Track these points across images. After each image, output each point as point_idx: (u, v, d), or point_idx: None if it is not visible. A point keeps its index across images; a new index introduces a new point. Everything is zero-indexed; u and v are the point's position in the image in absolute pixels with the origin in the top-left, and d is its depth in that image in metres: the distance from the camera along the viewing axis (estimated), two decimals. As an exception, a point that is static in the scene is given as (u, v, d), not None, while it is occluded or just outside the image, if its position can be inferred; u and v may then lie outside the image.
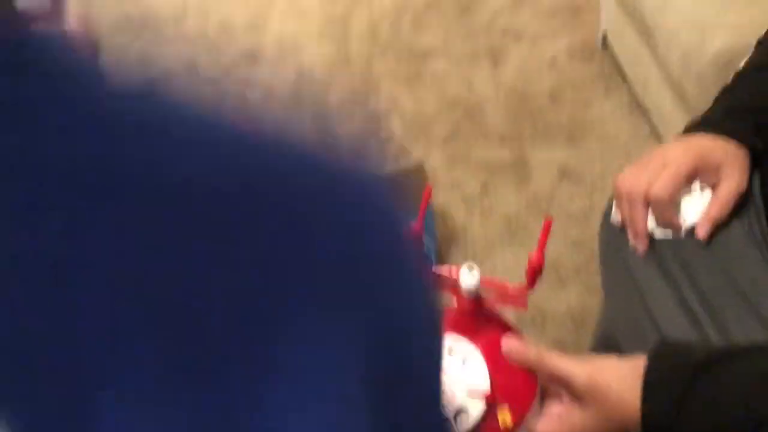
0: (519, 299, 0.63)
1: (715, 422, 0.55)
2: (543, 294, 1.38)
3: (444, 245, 1.50)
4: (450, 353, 0.62)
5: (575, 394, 0.59)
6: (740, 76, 0.81)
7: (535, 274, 0.60)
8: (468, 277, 0.61)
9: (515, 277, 1.40)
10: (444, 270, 0.64)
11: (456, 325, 0.63)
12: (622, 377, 0.59)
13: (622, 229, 0.80)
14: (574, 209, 1.54)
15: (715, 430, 0.55)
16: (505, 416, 0.60)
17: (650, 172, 0.75)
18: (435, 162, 1.71)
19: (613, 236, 0.83)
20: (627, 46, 1.71)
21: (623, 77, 1.83)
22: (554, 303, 1.37)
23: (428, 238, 1.34)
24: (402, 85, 1.99)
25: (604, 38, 1.93)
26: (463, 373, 0.61)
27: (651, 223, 0.76)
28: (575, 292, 1.38)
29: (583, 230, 1.47)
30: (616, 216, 0.81)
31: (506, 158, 1.69)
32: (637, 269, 0.77)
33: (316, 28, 2.30)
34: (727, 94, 0.81)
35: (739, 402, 0.55)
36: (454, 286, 0.64)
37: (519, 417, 0.60)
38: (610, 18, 1.83)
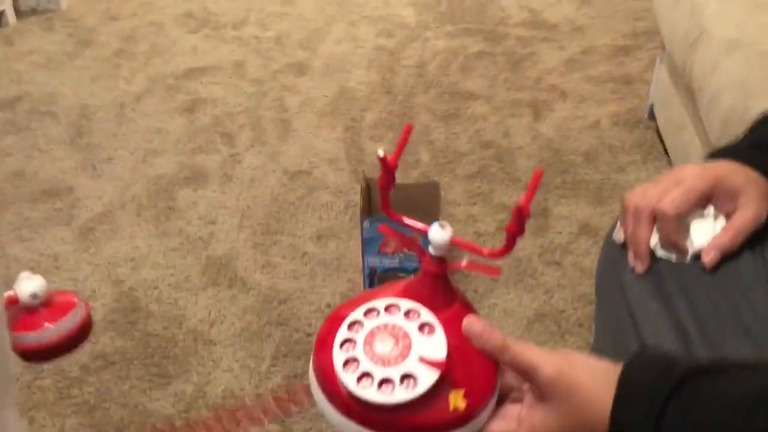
0: (493, 265, 0.57)
1: None
2: (539, 341, 1.31)
3: (446, 274, 1.43)
4: (407, 317, 0.56)
5: (539, 387, 0.51)
6: (773, 111, 0.75)
7: (518, 227, 0.53)
8: (438, 233, 0.55)
9: (515, 321, 1.33)
10: (412, 223, 0.58)
11: (417, 292, 0.57)
12: (595, 375, 0.51)
13: (623, 247, 0.74)
14: (588, 264, 1.46)
15: None
16: (457, 399, 0.53)
17: (661, 187, 0.69)
18: (455, 195, 1.67)
19: (612, 255, 0.76)
20: (672, 117, 1.66)
21: (664, 150, 1.78)
22: (549, 353, 1.29)
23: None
24: (438, 120, 1.97)
25: (651, 110, 1.89)
26: (420, 341, 0.54)
27: (654, 241, 0.70)
28: (572, 346, 1.29)
29: (593, 286, 1.39)
30: (618, 234, 0.76)
31: (528, 205, 1.64)
32: (632, 290, 0.71)
33: (367, 55, 2.32)
34: (754, 128, 0.76)
35: (729, 419, 0.47)
36: (422, 247, 0.58)
37: (472, 408, 0.53)
38: (659, 89, 1.80)
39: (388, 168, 0.56)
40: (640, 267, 0.71)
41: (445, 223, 0.56)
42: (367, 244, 1.31)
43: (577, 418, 0.51)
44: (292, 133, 1.92)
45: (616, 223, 0.77)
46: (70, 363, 1.26)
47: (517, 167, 1.77)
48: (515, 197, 1.66)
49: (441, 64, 2.26)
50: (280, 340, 1.30)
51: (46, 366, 1.25)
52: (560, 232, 1.56)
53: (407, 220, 0.58)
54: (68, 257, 1.50)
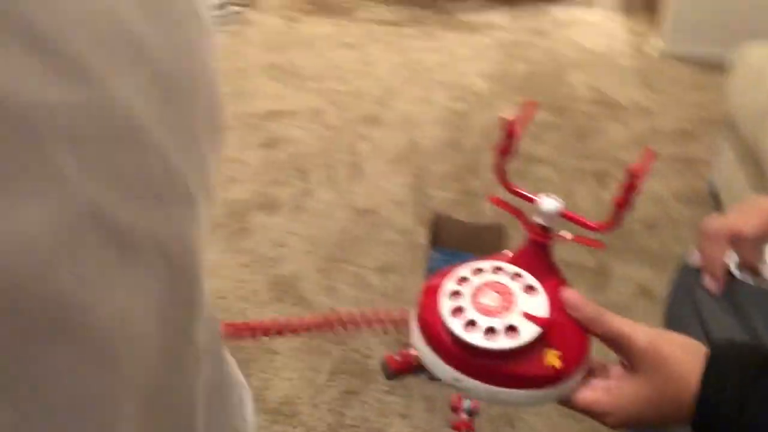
0: (598, 239, 0.58)
1: None
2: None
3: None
4: (513, 279, 0.58)
5: (630, 357, 0.53)
6: None
7: (626, 200, 0.53)
8: (549, 203, 0.57)
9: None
10: (522, 191, 0.61)
11: (522, 261, 0.59)
12: (685, 349, 0.52)
13: (698, 271, 0.77)
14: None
15: None
16: (553, 358, 0.55)
17: (739, 213, 0.74)
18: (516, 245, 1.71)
19: (686, 279, 0.80)
20: (736, 193, 1.69)
21: (726, 228, 1.80)
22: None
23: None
24: (504, 178, 2.03)
25: (714, 190, 1.92)
26: (524, 298, 0.56)
27: (731, 262, 0.74)
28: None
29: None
30: (693, 258, 0.79)
31: (588, 263, 1.67)
32: (707, 308, 0.74)
33: (437, 115, 2.42)
34: None
35: None
36: (527, 218, 0.61)
37: (565, 369, 0.55)
38: (722, 168, 1.84)
39: (511, 133, 0.57)
40: (715, 287, 0.74)
41: (555, 195, 0.59)
42: (431, 273, 1.36)
43: (665, 389, 0.52)
44: (362, 175, 2.01)
45: (690, 250, 0.81)
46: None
47: (577, 227, 1.80)
48: (574, 254, 1.70)
49: (509, 129, 2.34)
50: (338, 358, 1.34)
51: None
52: (620, 292, 1.58)
53: (516, 188, 0.61)
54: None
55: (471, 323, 0.54)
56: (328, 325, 0.69)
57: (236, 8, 3.33)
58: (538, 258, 0.59)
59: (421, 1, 3.86)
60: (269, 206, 1.83)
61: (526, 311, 0.54)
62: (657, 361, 0.52)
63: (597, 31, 3.65)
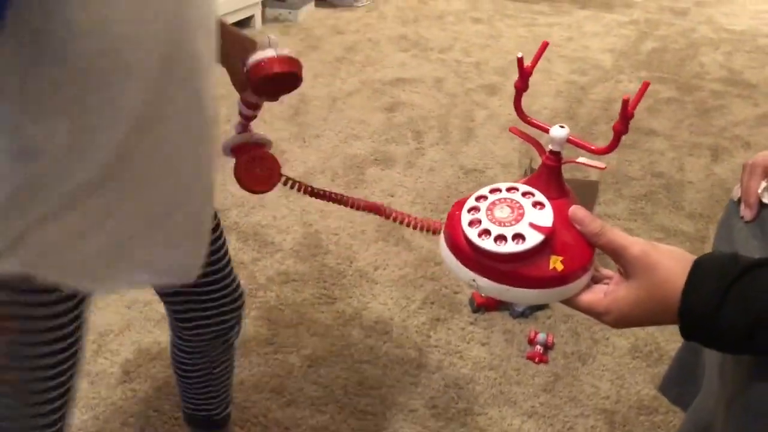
0: (600, 162, 0.67)
1: (755, 319, 0.55)
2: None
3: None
4: (525, 196, 0.68)
5: (625, 265, 0.59)
6: None
7: (623, 126, 0.62)
8: (558, 131, 0.67)
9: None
10: (537, 122, 0.71)
11: (535, 182, 0.68)
12: (673, 259, 0.58)
13: (738, 203, 0.83)
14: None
15: (752, 326, 0.56)
16: (556, 262, 0.64)
17: None
18: (617, 210, 1.76)
19: (728, 211, 0.86)
20: None
21: None
22: None
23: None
24: (614, 148, 2.06)
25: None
26: (532, 212, 0.66)
27: (763, 190, 0.79)
28: None
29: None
30: (735, 191, 0.85)
31: (688, 231, 1.69)
32: (739, 234, 0.80)
33: (557, 87, 2.47)
34: None
35: None
36: (542, 145, 0.71)
37: (566, 272, 0.64)
38: None
39: (523, 72, 0.68)
40: (748, 214, 0.79)
41: (563, 125, 0.68)
42: (522, 222, 1.45)
43: (653, 293, 0.58)
44: (474, 139, 2.12)
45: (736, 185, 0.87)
46: (260, 273, 1.52)
47: (683, 197, 1.82)
48: (677, 222, 1.72)
49: (627, 103, 2.35)
50: (429, 291, 1.48)
51: (241, 271, 1.52)
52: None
53: (532, 120, 0.71)
54: (272, 200, 1.80)
55: (485, 232, 0.63)
56: (377, 211, 0.81)
57: (373, -16, 3.52)
58: (550, 179, 0.66)
59: (556, -21, 3.86)
60: (384, 161, 1.99)
61: (533, 222, 0.62)
62: (647, 267, 0.58)
63: (741, 10, 3.49)
